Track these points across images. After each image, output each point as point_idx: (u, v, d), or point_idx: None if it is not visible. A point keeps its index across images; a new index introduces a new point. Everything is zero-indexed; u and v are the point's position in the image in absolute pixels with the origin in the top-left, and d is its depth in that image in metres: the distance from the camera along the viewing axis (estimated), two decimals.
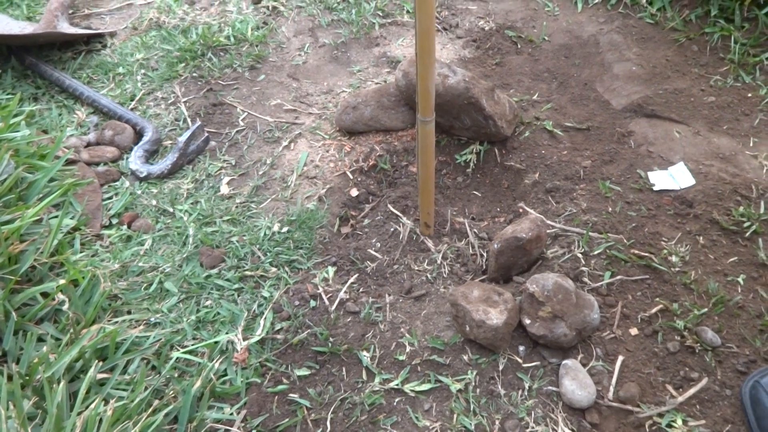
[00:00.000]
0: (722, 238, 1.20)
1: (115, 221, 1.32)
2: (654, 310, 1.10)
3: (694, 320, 1.07)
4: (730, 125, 1.43)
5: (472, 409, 0.99)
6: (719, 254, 1.17)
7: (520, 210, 1.31)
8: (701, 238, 1.20)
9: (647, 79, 1.57)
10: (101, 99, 1.59)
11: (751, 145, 1.38)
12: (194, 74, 1.70)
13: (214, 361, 1.04)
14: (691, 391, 0.99)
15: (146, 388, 0.96)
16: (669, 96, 1.51)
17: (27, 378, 0.92)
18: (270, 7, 1.93)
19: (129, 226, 1.31)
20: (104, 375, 0.98)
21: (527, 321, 1.04)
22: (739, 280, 1.13)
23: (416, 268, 1.22)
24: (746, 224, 1.20)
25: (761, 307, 1.09)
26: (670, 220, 1.23)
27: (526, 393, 1.01)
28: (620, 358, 1.04)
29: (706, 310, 1.08)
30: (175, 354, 1.04)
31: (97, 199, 1.34)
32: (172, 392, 0.97)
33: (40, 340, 1.02)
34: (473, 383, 1.02)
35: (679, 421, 0.95)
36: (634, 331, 1.08)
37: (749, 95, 1.50)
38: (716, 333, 1.05)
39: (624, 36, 1.72)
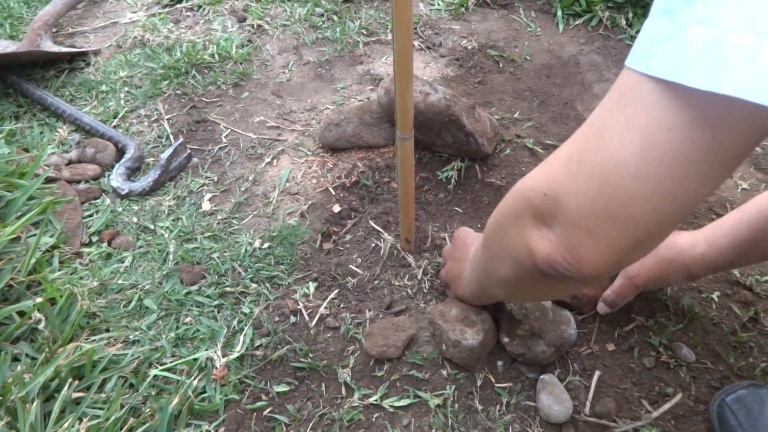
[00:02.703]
0: None
1: (95, 239, 1.32)
2: (630, 326, 1.11)
3: (670, 336, 1.08)
4: None
5: (450, 424, 0.99)
6: None
7: None
8: None
9: None
10: (83, 117, 1.59)
11: None
12: (178, 91, 1.71)
13: (193, 378, 1.03)
14: (666, 406, 1.00)
15: (122, 407, 0.95)
16: None
17: (0, 398, 0.91)
18: (255, 26, 1.95)
19: (109, 244, 1.31)
20: (80, 394, 0.97)
21: (506, 339, 1.05)
22: (714, 296, 1.14)
23: (397, 284, 1.22)
24: None
25: (735, 323, 1.11)
26: None
27: (503, 408, 1.01)
28: (597, 374, 1.04)
29: (681, 326, 1.10)
30: (153, 371, 1.04)
31: (77, 217, 1.34)
32: (149, 410, 0.96)
33: (16, 359, 1.01)
34: (452, 398, 1.02)
35: None
36: (611, 346, 1.09)
37: None
38: (691, 349, 1.06)
39: (604, 57, 1.75)
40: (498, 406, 1.01)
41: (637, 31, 1.79)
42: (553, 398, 0.99)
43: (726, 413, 0.95)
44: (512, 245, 0.68)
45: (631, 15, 1.82)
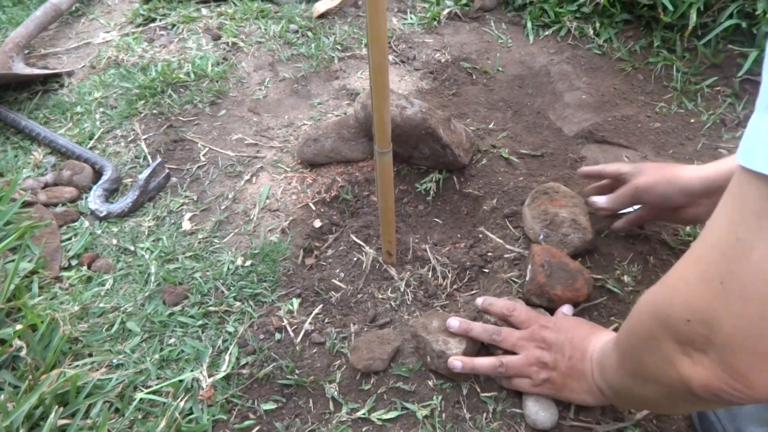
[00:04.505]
0: (671, 257, 1.25)
1: (74, 262, 1.31)
2: (612, 328, 1.13)
3: None
4: (675, 149, 1.50)
5: None
6: None
7: (480, 235, 1.34)
8: (652, 258, 1.25)
9: (597, 106, 1.64)
10: (58, 139, 1.58)
11: None
12: (154, 111, 1.71)
13: (179, 399, 1.03)
14: None
15: None
16: (617, 123, 1.58)
17: None
18: (230, 43, 1.96)
19: (89, 267, 1.30)
20: (66, 421, 0.96)
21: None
22: None
23: (380, 297, 1.23)
24: (692, 243, 1.25)
25: None
26: (622, 241, 1.28)
27: (490, 416, 1.02)
28: None
29: None
30: (138, 395, 1.03)
31: (55, 241, 1.33)
32: None
33: None
34: (439, 408, 1.03)
35: None
36: None
37: (692, 121, 1.58)
38: None
39: (573, 66, 1.79)
40: (485, 414, 1.03)
41: (605, 41, 1.84)
42: (539, 405, 1.01)
43: (706, 410, 0.98)
44: (658, 371, 0.66)
45: (598, 25, 1.87)
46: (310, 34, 1.98)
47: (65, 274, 1.28)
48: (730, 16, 1.61)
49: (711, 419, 0.97)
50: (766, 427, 0.92)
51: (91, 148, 1.60)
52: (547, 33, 1.92)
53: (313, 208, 1.42)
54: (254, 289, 1.24)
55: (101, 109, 1.73)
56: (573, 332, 0.98)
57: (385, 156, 1.07)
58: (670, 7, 1.68)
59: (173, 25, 2.05)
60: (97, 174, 1.52)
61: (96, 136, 1.64)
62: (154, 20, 2.09)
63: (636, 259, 1.24)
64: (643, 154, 1.49)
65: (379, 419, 1.02)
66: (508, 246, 1.29)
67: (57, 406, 0.95)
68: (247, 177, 1.50)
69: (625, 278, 1.20)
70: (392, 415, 1.03)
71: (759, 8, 1.53)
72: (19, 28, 1.91)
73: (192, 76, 1.81)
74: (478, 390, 1.06)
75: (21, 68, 1.81)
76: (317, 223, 1.39)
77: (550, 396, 0.99)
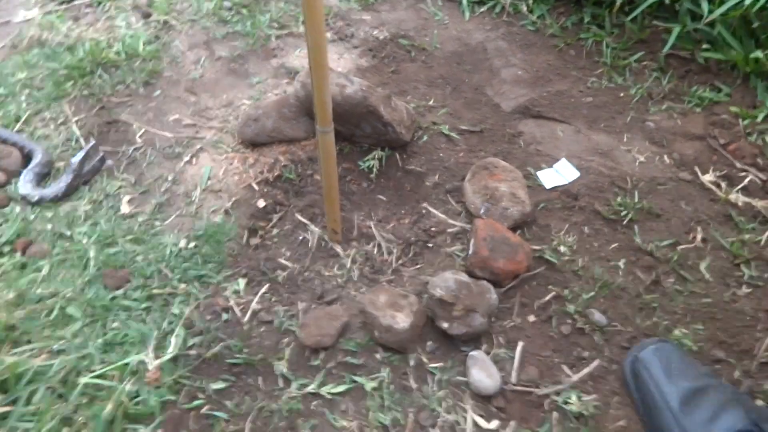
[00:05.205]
0: (604, 227, 1.31)
1: (6, 249, 1.26)
2: (548, 297, 1.18)
3: (584, 304, 1.17)
4: (606, 123, 1.56)
5: (386, 405, 1.02)
6: (602, 242, 1.28)
7: (424, 211, 1.37)
8: (586, 228, 1.31)
9: (532, 82, 1.69)
10: None
11: (625, 140, 1.51)
12: (84, 92, 1.64)
13: (125, 383, 1.02)
14: (585, 371, 1.08)
15: (53, 417, 0.93)
16: (552, 98, 1.63)
17: None
18: (161, 21, 1.90)
19: (23, 253, 1.25)
20: (7, 408, 0.93)
21: (445, 325, 1.09)
22: (620, 264, 1.24)
23: (327, 274, 1.25)
24: (623, 213, 1.32)
25: (639, 287, 1.21)
26: (559, 213, 1.34)
27: (436, 385, 1.06)
28: (520, 344, 1.11)
29: (593, 293, 1.18)
30: (82, 379, 1.01)
31: None
32: (81, 418, 0.94)
33: None
34: (387, 380, 1.06)
35: (574, 398, 1.03)
36: (531, 318, 1.16)
37: (621, 95, 1.64)
38: (603, 314, 1.15)
39: (509, 43, 1.83)
40: (431, 384, 1.06)
41: (538, 17, 1.89)
42: (483, 372, 1.05)
43: (639, 368, 1.04)
44: None
45: (531, 2, 1.91)
46: (244, 11, 1.94)
47: None
48: None
49: (644, 377, 1.03)
50: (696, 383, 0.99)
51: (18, 132, 1.53)
52: (482, 10, 1.95)
53: (257, 188, 1.41)
54: (199, 270, 1.23)
55: (26, 91, 1.66)
56: None
57: (327, 135, 1.07)
58: None
59: (99, 2, 1.97)
60: (26, 158, 1.46)
61: (22, 119, 1.57)
62: None
63: (571, 230, 1.30)
64: (577, 128, 1.55)
65: (328, 393, 1.04)
66: (450, 221, 1.33)
67: None
68: (186, 158, 1.48)
69: (562, 248, 1.26)
70: (341, 388, 1.05)
71: None
72: None
73: (123, 55, 1.75)
74: (425, 360, 1.09)
75: None
76: (261, 203, 1.38)
77: None
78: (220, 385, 1.05)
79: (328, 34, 1.85)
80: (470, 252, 1.20)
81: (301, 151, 1.48)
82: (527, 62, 1.76)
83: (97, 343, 1.08)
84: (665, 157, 1.46)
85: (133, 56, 1.76)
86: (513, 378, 1.07)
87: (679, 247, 1.27)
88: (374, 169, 1.45)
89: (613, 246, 1.27)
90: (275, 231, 1.33)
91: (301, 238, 1.31)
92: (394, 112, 1.42)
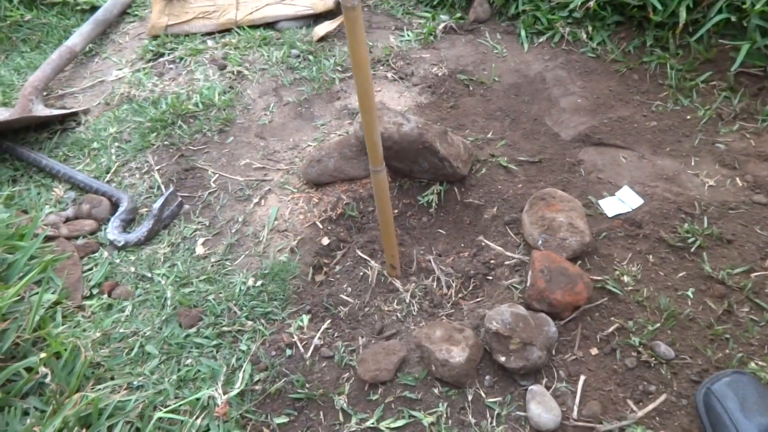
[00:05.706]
0: (670, 255, 1.27)
1: (95, 291, 1.38)
2: (611, 329, 1.16)
3: (649, 336, 1.13)
4: (672, 147, 1.52)
5: None
6: (668, 270, 1.24)
7: (483, 244, 1.37)
8: (651, 256, 1.27)
9: (592, 109, 1.67)
10: (77, 175, 1.66)
11: (693, 164, 1.46)
12: (166, 142, 1.78)
13: (196, 417, 1.08)
14: (651, 406, 1.04)
15: None
16: (614, 124, 1.61)
17: None
18: (235, 72, 2.03)
19: (109, 295, 1.36)
20: None
21: (502, 359, 1.09)
22: (689, 293, 1.19)
23: (386, 309, 1.27)
24: (691, 240, 1.27)
25: (710, 317, 1.15)
26: (622, 242, 1.30)
27: (494, 420, 1.05)
28: (582, 378, 1.09)
29: (659, 324, 1.14)
30: (157, 414, 1.08)
31: (77, 272, 1.40)
32: None
33: (25, 413, 1.06)
34: (445, 415, 1.07)
35: None
36: (594, 350, 1.14)
37: (688, 117, 1.59)
38: (669, 346, 1.11)
39: (568, 71, 1.82)
40: (490, 419, 1.06)
41: (599, 43, 1.87)
42: (542, 407, 1.04)
43: (713, 401, 1.00)
44: None
45: (590, 29, 1.89)
46: (311, 57, 2.04)
47: (87, 302, 1.34)
48: (720, 11, 1.63)
49: (718, 410, 0.98)
50: None
51: (108, 182, 1.68)
52: (541, 40, 1.95)
53: (321, 226, 1.47)
54: (265, 308, 1.29)
55: (116, 144, 1.81)
56: None
57: (379, 174, 1.11)
58: (659, 6, 1.71)
59: (181, 59, 2.14)
60: (114, 206, 1.60)
61: (112, 170, 1.71)
62: (162, 55, 2.17)
63: (635, 259, 1.27)
64: (640, 154, 1.51)
65: (387, 428, 1.06)
66: (508, 253, 1.33)
67: (80, 428, 1.01)
68: (255, 200, 1.56)
69: (625, 278, 1.23)
70: (400, 423, 1.06)
71: (747, 1, 1.55)
72: (37, 72, 2.01)
73: (200, 106, 1.88)
74: (483, 395, 1.09)
75: (40, 110, 1.90)
76: (325, 241, 1.44)
77: None
78: (283, 419, 1.09)
79: (388, 74, 1.91)
80: (528, 284, 1.19)
81: (362, 189, 1.53)
82: (587, 89, 1.74)
83: (172, 378, 1.16)
84: (737, 179, 1.40)
85: (210, 106, 1.89)
86: (574, 413, 1.05)
87: (754, 275, 1.21)
88: (433, 204, 1.47)
89: (680, 275, 1.23)
90: (338, 267, 1.38)
91: (361, 273, 1.35)
92: (450, 147, 1.45)
